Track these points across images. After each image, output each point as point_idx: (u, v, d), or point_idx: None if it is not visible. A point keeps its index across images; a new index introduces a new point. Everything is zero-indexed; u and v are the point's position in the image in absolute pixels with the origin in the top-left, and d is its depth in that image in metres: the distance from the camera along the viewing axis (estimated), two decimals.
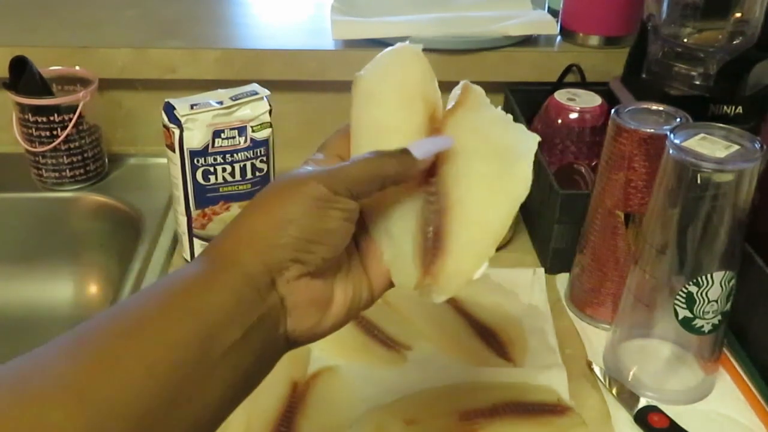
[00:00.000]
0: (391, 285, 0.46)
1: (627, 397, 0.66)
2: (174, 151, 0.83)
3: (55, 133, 0.91)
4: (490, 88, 1.12)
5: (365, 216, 0.45)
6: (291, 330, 0.41)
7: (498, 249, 0.89)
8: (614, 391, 0.67)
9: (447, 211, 0.44)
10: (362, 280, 0.45)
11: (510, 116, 0.45)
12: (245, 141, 0.83)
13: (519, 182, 0.44)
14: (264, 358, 0.41)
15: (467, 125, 0.46)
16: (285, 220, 0.40)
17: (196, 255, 0.80)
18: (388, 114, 0.46)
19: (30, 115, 0.90)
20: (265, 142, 0.84)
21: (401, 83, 0.47)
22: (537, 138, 0.44)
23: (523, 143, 0.44)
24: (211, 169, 0.82)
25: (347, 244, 0.43)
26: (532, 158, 0.44)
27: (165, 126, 0.84)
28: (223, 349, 0.37)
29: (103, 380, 0.34)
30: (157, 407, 0.34)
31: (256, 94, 0.85)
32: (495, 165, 0.44)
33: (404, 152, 0.43)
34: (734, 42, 0.82)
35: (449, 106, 0.47)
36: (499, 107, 0.46)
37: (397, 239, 0.45)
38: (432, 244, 0.45)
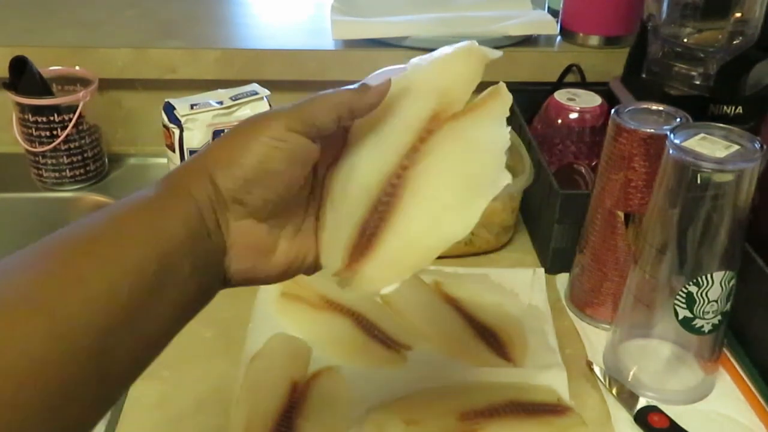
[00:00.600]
0: None
1: (627, 397, 0.66)
2: (174, 151, 0.83)
3: (55, 133, 0.91)
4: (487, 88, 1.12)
5: (326, 188, 0.46)
6: (226, 267, 0.42)
7: (498, 249, 0.90)
8: (614, 391, 0.67)
9: (389, 219, 0.44)
10: (311, 243, 0.46)
11: (508, 144, 0.44)
12: None
13: (463, 224, 0.43)
14: (208, 289, 0.42)
15: (459, 137, 0.45)
16: (232, 157, 0.41)
17: None
18: (405, 95, 0.46)
19: (30, 115, 0.90)
20: None
21: (430, 76, 0.47)
22: (509, 179, 0.43)
23: (493, 182, 0.43)
24: None
25: (293, 192, 0.43)
26: (489, 199, 0.43)
27: (165, 126, 0.84)
28: (175, 276, 0.38)
29: (68, 296, 0.34)
30: (115, 326, 0.35)
31: (256, 94, 0.86)
32: (453, 196, 0.44)
33: (361, 85, 0.44)
34: (734, 42, 0.82)
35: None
36: (507, 127, 0.45)
37: (340, 222, 0.45)
38: (365, 243, 0.45)
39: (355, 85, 0.44)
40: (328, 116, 0.42)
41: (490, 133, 0.45)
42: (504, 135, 0.45)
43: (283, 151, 0.41)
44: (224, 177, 0.41)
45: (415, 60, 0.48)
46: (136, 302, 0.36)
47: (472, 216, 0.43)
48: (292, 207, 0.44)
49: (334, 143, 0.46)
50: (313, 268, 0.46)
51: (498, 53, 0.47)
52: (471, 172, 0.44)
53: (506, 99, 0.46)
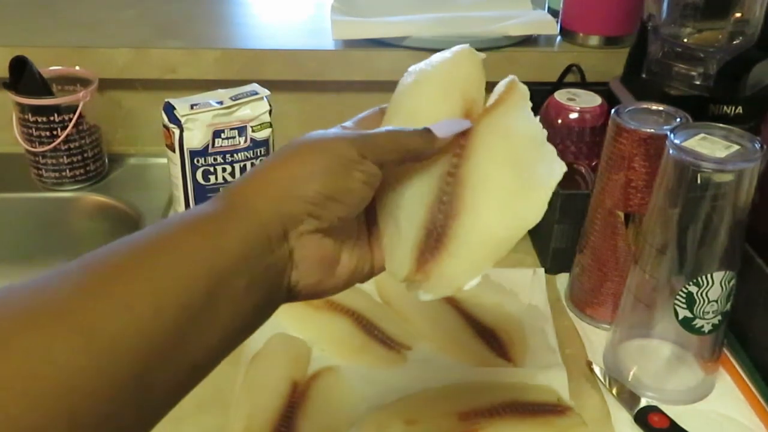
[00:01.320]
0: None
1: (627, 397, 0.66)
2: (174, 151, 0.83)
3: (55, 133, 0.91)
4: (490, 88, 1.12)
5: (376, 197, 0.45)
6: (294, 282, 0.42)
7: None
8: (614, 391, 0.67)
9: (457, 215, 0.44)
10: (366, 252, 0.46)
11: (544, 133, 0.45)
12: (245, 141, 0.83)
13: (534, 208, 0.43)
14: (265, 306, 0.41)
15: (500, 130, 0.46)
16: (308, 173, 0.40)
17: None
18: (425, 102, 0.46)
19: (30, 115, 0.90)
20: (265, 142, 0.84)
21: (445, 78, 0.47)
22: (564, 168, 0.44)
23: (550, 173, 0.44)
24: (211, 169, 0.82)
25: (361, 209, 0.43)
26: (553, 188, 0.44)
27: (165, 126, 0.84)
28: (228, 296, 0.37)
29: (110, 317, 0.33)
30: (160, 347, 0.34)
31: (256, 94, 0.85)
32: (516, 183, 0.44)
33: (426, 130, 0.43)
34: (734, 42, 0.82)
35: (491, 101, 0.47)
36: (537, 117, 0.46)
37: (401, 227, 0.45)
38: (433, 243, 0.44)
39: (422, 130, 0.44)
40: (395, 155, 0.43)
41: (522, 122, 0.46)
42: (535, 121, 0.46)
43: (360, 172, 0.41)
44: (304, 192, 0.40)
45: (417, 66, 0.48)
46: (183, 326, 0.35)
47: (541, 200, 0.43)
48: (350, 221, 0.44)
49: None
50: (371, 275, 0.46)
51: (483, 54, 0.49)
52: (522, 160, 0.44)
53: (524, 90, 0.47)
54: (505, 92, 0.47)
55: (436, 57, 0.48)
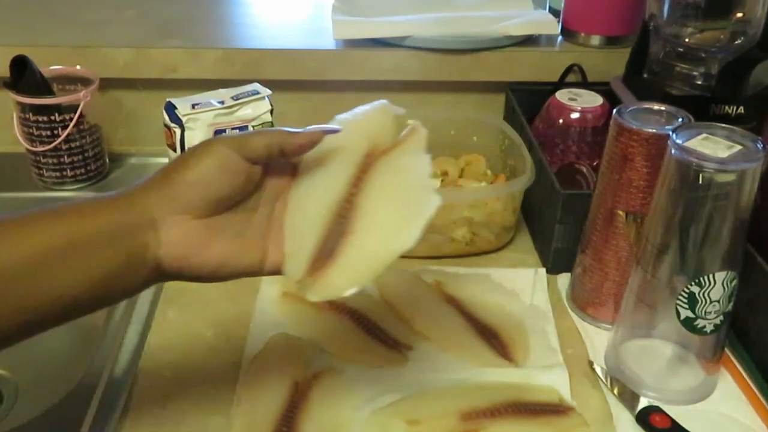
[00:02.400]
0: (279, 272, 0.54)
1: (628, 397, 0.66)
2: (175, 150, 0.83)
3: (55, 132, 0.91)
4: (491, 88, 1.13)
5: (286, 213, 0.55)
6: (162, 258, 0.50)
7: (499, 249, 0.90)
8: (616, 391, 0.67)
9: (348, 235, 0.53)
10: (253, 250, 0.53)
11: (430, 170, 0.53)
12: None
13: (409, 236, 0.51)
14: (129, 269, 0.49)
15: (393, 168, 0.55)
16: (186, 165, 0.50)
17: None
18: (338, 140, 0.55)
19: (31, 114, 0.90)
20: None
21: (358, 124, 0.57)
22: (439, 201, 0.51)
23: (428, 206, 0.51)
24: None
25: (227, 198, 0.51)
26: (429, 218, 0.51)
27: (166, 125, 0.84)
28: (83, 256, 0.47)
29: (14, 234, 0.46)
30: (24, 270, 0.45)
31: (258, 93, 0.85)
32: (398, 213, 0.52)
33: (289, 131, 0.53)
34: (736, 42, 0.82)
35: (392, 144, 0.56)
36: (428, 156, 0.54)
37: (303, 239, 0.54)
38: (326, 255, 0.53)
39: (292, 129, 0.53)
40: (260, 144, 0.51)
41: (416, 161, 0.54)
42: (426, 161, 0.54)
43: (218, 160, 0.50)
44: (175, 180, 0.50)
45: (341, 116, 0.57)
46: (40, 258, 0.46)
47: (414, 232, 0.51)
48: (232, 215, 0.52)
49: (283, 176, 0.55)
50: (257, 271, 0.54)
51: (401, 110, 0.57)
52: (407, 196, 0.53)
53: (422, 133, 0.56)
54: (405, 136, 0.56)
55: (358, 108, 0.58)
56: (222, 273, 0.52)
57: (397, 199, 0.53)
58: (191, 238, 0.50)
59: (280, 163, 0.54)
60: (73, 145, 0.93)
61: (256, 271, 0.54)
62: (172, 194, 0.50)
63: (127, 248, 0.49)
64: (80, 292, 0.48)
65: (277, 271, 0.54)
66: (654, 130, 0.66)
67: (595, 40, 1.03)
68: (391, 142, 0.56)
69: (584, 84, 1.00)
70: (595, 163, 0.87)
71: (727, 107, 0.81)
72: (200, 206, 0.50)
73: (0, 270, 0.45)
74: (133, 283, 0.50)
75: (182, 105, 0.82)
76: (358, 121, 0.57)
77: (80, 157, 0.94)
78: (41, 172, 0.95)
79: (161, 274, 0.51)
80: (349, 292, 0.51)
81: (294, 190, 0.55)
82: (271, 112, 0.85)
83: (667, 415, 0.64)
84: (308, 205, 0.54)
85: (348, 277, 0.52)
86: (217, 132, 0.83)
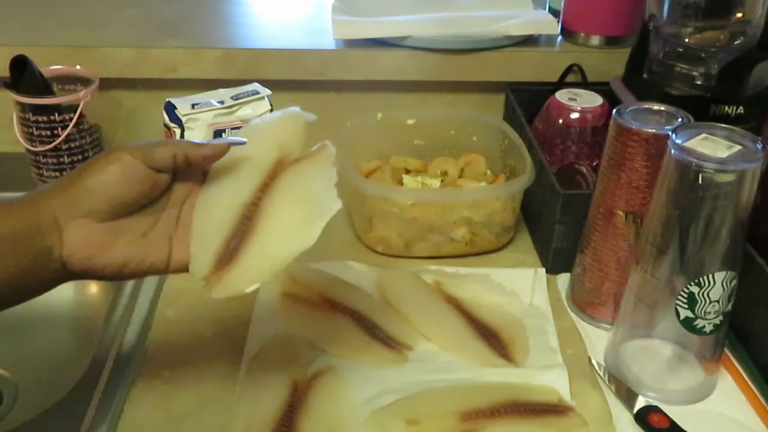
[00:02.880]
0: (185, 270, 0.56)
1: (628, 397, 0.66)
2: None
3: (55, 132, 0.91)
4: (491, 88, 1.13)
5: (194, 214, 0.57)
6: (66, 257, 0.52)
7: (499, 249, 0.90)
8: (615, 391, 0.67)
9: (250, 235, 0.56)
10: (157, 251, 0.55)
11: (335, 180, 0.56)
12: None
13: (310, 235, 0.54)
14: (35, 271, 0.51)
15: (299, 175, 0.58)
16: (85, 172, 0.52)
17: None
18: (248, 147, 0.58)
19: (31, 114, 0.90)
20: None
21: (269, 131, 0.60)
22: (339, 206, 0.55)
23: (329, 208, 0.55)
24: None
25: (129, 202, 0.53)
26: (327, 220, 0.54)
27: (166, 125, 0.84)
28: None
29: None
30: None
31: (258, 93, 0.85)
32: (300, 215, 0.55)
33: (196, 143, 0.56)
34: (735, 42, 0.82)
35: (301, 155, 0.59)
36: (335, 169, 0.57)
37: (208, 238, 0.56)
38: (229, 255, 0.55)
39: (198, 141, 0.56)
40: (165, 154, 0.53)
41: (322, 171, 0.57)
42: (332, 172, 0.57)
43: (121, 168, 0.52)
44: (78, 185, 0.52)
45: (254, 121, 0.61)
46: None
47: (314, 232, 0.54)
48: (137, 217, 0.55)
49: (192, 180, 0.58)
50: (161, 270, 0.56)
51: (313, 117, 0.60)
52: (310, 200, 0.56)
53: (332, 150, 0.59)
54: (315, 151, 0.59)
55: (270, 115, 0.62)
56: (126, 272, 0.55)
57: (300, 202, 0.56)
58: (94, 240, 0.52)
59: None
60: (73, 145, 0.93)
61: (162, 270, 0.56)
62: (75, 199, 0.52)
63: (32, 251, 0.51)
64: None
65: (182, 270, 0.56)
66: (654, 130, 0.66)
67: (595, 40, 1.03)
68: (302, 150, 0.59)
69: (584, 84, 1.00)
70: (595, 163, 0.87)
71: (726, 107, 0.81)
72: (103, 210, 0.52)
73: None
74: (40, 283, 0.53)
75: (182, 105, 0.82)
76: (270, 128, 0.60)
77: (80, 157, 0.94)
78: (41, 172, 0.95)
79: (68, 273, 0.53)
80: (249, 289, 0.54)
81: (202, 194, 0.58)
82: (271, 112, 0.85)
83: (666, 415, 0.64)
84: (215, 207, 0.57)
85: (248, 275, 0.54)
86: (217, 132, 0.83)
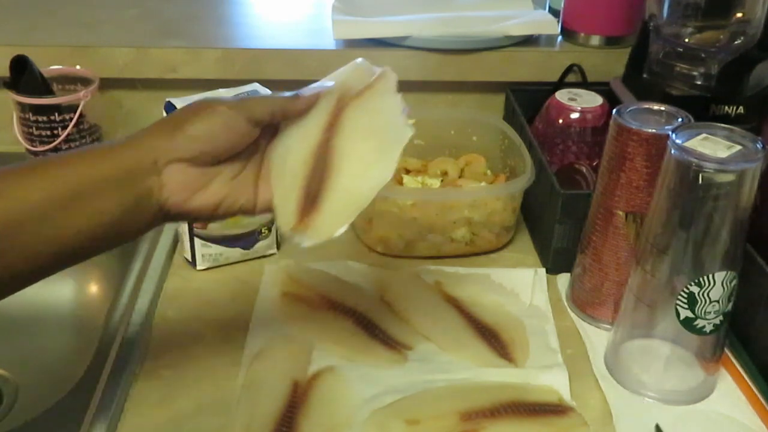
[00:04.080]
0: (270, 210, 0.58)
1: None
2: None
3: (55, 132, 0.91)
4: (491, 88, 1.13)
5: (271, 165, 0.58)
6: (164, 199, 0.53)
7: (499, 249, 0.90)
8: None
9: (327, 179, 0.56)
10: (246, 192, 0.57)
11: (402, 106, 0.56)
12: None
13: (386, 168, 0.55)
14: (135, 213, 0.53)
15: (363, 109, 0.57)
16: (187, 120, 0.54)
17: (197, 254, 0.80)
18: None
19: (31, 114, 0.90)
20: None
21: (336, 76, 0.60)
22: (412, 131, 0.55)
23: (401, 137, 0.55)
24: None
25: (228, 153, 0.55)
26: (402, 148, 0.55)
27: None
28: (92, 198, 0.50)
29: (18, 183, 0.50)
30: (33, 217, 0.49)
31: (258, 93, 0.85)
32: (373, 150, 0.56)
33: (295, 94, 0.58)
34: (736, 42, 0.82)
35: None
36: (399, 95, 0.57)
37: (287, 189, 0.57)
38: (311, 202, 0.56)
39: (291, 93, 0.57)
40: (263, 111, 0.56)
41: (386, 100, 0.57)
42: (397, 100, 0.57)
43: (224, 121, 0.54)
44: (181, 132, 0.53)
45: (324, 79, 0.61)
46: (48, 204, 0.49)
47: (391, 163, 0.55)
48: (228, 163, 0.56)
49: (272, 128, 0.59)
50: (249, 212, 0.58)
51: (378, 69, 0.59)
52: (380, 131, 0.56)
53: (392, 77, 0.58)
54: (375, 80, 0.58)
55: (338, 69, 0.61)
56: (218, 213, 0.57)
57: (370, 135, 0.56)
58: (190, 184, 0.54)
59: None
60: (72, 145, 0.93)
61: (250, 211, 0.58)
62: (176, 145, 0.53)
63: (134, 192, 0.52)
64: (89, 236, 0.51)
65: (267, 210, 0.58)
66: (654, 130, 0.66)
67: (595, 40, 1.03)
68: (354, 87, 0.59)
69: (584, 84, 0.99)
70: (595, 163, 0.87)
71: (727, 107, 0.81)
72: (201, 157, 0.54)
73: (9, 217, 0.48)
74: (139, 226, 0.54)
75: (182, 105, 0.82)
76: (337, 75, 0.60)
77: None
78: None
79: (165, 216, 0.55)
80: (338, 232, 0.55)
81: (275, 147, 0.58)
82: None
83: None
84: (288, 157, 0.58)
85: (335, 218, 0.55)
86: None
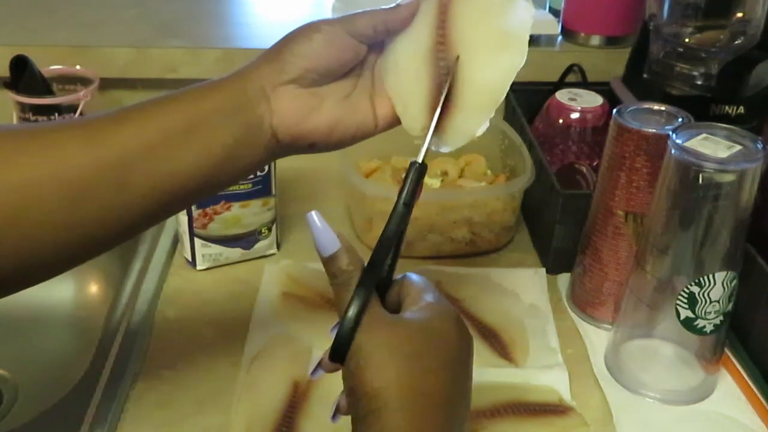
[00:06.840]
0: (394, 124, 0.56)
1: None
2: None
3: None
4: None
5: (385, 77, 0.56)
6: (276, 125, 0.52)
7: (499, 249, 0.90)
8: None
9: (455, 75, 0.53)
10: (361, 111, 0.55)
11: None
12: None
13: (518, 52, 0.52)
14: (248, 143, 0.52)
15: None
16: (294, 41, 0.53)
17: (197, 254, 0.80)
18: None
19: (31, 114, 0.90)
20: None
21: None
22: (533, 13, 0.53)
23: (523, 21, 0.52)
24: None
25: (335, 70, 0.54)
26: (528, 32, 0.52)
27: None
28: (207, 127, 0.50)
29: (107, 122, 0.49)
30: (137, 151, 0.48)
31: None
32: (495, 37, 0.52)
33: (395, 5, 0.55)
34: (736, 42, 0.82)
35: None
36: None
37: (410, 93, 0.54)
38: (442, 102, 0.52)
39: (390, 6, 0.55)
40: (365, 24, 0.54)
41: None
42: None
43: (327, 37, 0.53)
44: (284, 53, 0.53)
45: None
46: (163, 139, 0.49)
47: (522, 45, 0.52)
48: (338, 83, 0.55)
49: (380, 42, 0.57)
50: (362, 130, 0.55)
51: None
52: (497, 14, 0.53)
53: None
54: None
55: None
56: (335, 136, 0.54)
57: (488, 20, 0.53)
58: (301, 105, 0.53)
59: None
60: None
61: (370, 129, 0.56)
62: (281, 67, 0.52)
63: (244, 121, 0.51)
64: (205, 170, 0.50)
65: (390, 125, 0.56)
66: (654, 130, 0.66)
67: (595, 40, 1.03)
68: None
69: (584, 84, 1.00)
70: (595, 163, 0.87)
71: (727, 107, 0.81)
72: (307, 76, 0.53)
73: (124, 154, 0.48)
74: (253, 157, 0.53)
75: None
76: None
77: None
78: None
79: (279, 144, 0.53)
80: (480, 130, 0.52)
81: (386, 56, 0.56)
82: None
83: None
84: (403, 64, 0.55)
85: (475, 114, 0.52)
86: None
